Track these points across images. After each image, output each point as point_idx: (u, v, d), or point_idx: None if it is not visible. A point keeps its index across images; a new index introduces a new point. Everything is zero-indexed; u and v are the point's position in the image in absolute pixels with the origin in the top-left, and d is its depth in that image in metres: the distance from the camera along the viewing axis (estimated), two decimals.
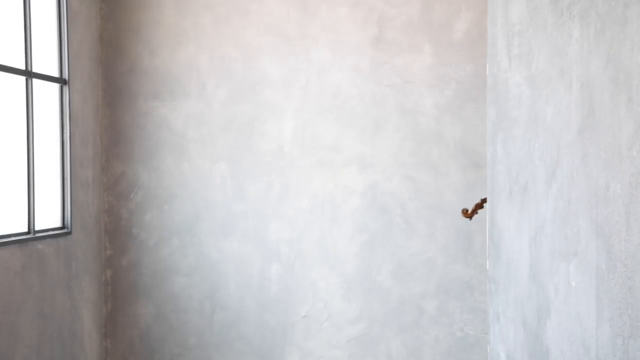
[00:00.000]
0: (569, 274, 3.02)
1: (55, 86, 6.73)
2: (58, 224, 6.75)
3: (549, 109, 3.27)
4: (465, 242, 7.07)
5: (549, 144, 3.27)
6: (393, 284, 7.16)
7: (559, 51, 3.11)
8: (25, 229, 6.26)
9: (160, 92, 7.35)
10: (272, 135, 7.26)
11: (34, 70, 6.37)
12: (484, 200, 5.61)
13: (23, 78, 6.26)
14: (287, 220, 7.25)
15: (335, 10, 7.20)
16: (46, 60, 6.62)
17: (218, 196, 7.30)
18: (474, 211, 5.76)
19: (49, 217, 6.64)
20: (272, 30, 7.24)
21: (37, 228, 6.37)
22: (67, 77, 6.76)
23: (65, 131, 6.74)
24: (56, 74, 6.73)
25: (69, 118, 6.75)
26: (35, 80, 6.39)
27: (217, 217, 7.30)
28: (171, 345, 7.35)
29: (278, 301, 7.26)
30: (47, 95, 6.64)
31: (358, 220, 7.19)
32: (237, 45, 7.28)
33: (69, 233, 6.72)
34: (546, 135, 3.31)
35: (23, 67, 6.24)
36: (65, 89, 6.76)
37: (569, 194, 3.01)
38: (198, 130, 7.32)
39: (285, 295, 7.26)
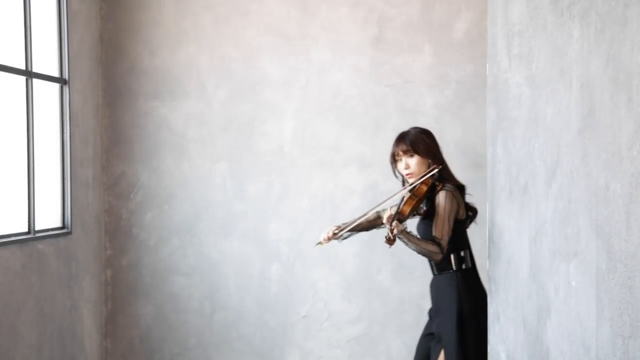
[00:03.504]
0: (569, 274, 3.02)
1: (55, 86, 6.73)
2: (58, 224, 6.75)
3: (549, 109, 3.27)
4: None
5: (549, 144, 3.27)
6: (393, 284, 7.16)
7: (559, 51, 3.11)
8: (25, 229, 6.26)
9: (160, 92, 7.35)
10: (272, 135, 7.25)
11: (34, 70, 6.37)
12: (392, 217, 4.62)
13: (23, 78, 6.26)
14: (287, 220, 7.24)
15: (335, 10, 7.19)
16: (46, 60, 6.62)
17: (218, 196, 7.30)
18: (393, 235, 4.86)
19: (49, 217, 6.63)
20: (272, 30, 7.24)
21: (37, 228, 6.37)
22: (67, 77, 6.76)
23: (65, 131, 6.74)
24: (56, 74, 6.73)
25: (69, 118, 6.75)
26: (35, 80, 6.39)
27: (217, 217, 7.29)
28: (171, 345, 7.35)
29: (278, 301, 7.26)
30: (47, 95, 6.64)
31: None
32: (237, 45, 7.27)
33: (69, 233, 6.72)
34: (546, 135, 3.31)
35: (23, 67, 6.23)
36: (65, 89, 6.76)
37: (569, 194, 3.01)
38: (198, 130, 7.31)
39: (285, 295, 7.25)
